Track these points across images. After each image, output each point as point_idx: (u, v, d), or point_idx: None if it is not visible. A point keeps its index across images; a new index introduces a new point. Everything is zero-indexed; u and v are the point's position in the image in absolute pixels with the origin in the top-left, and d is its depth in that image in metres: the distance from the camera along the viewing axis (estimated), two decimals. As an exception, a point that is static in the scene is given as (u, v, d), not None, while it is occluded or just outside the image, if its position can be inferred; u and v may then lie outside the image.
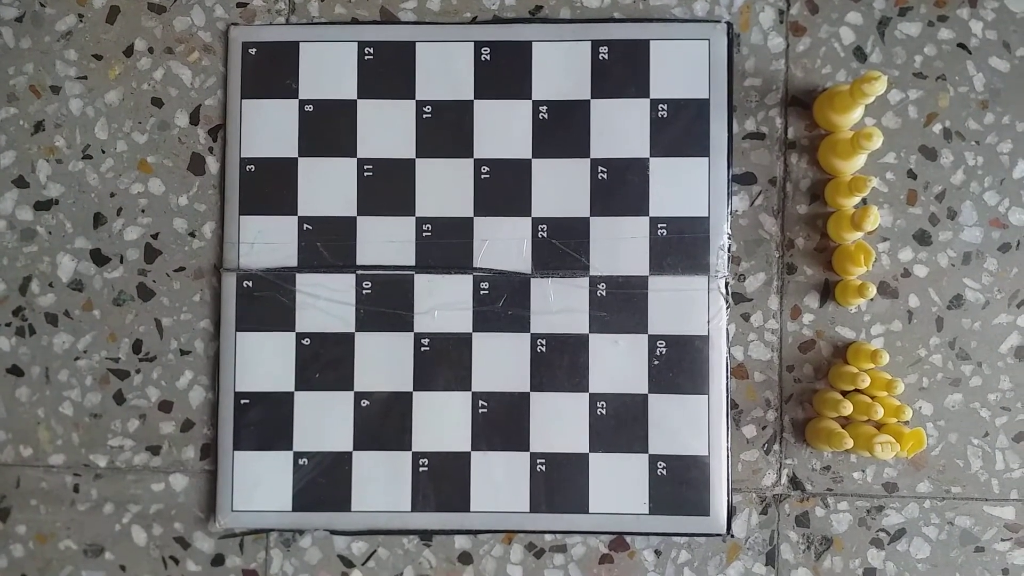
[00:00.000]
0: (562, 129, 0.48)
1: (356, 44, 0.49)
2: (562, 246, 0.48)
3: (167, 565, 0.49)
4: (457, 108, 0.48)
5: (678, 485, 0.47)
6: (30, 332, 0.49)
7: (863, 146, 0.43)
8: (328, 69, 0.49)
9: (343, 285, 0.48)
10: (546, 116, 0.48)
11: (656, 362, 0.47)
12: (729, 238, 0.48)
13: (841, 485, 0.48)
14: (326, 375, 0.48)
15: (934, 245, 0.48)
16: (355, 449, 0.48)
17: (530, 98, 0.48)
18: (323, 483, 0.48)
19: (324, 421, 0.48)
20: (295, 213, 0.48)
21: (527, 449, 0.48)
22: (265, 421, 0.48)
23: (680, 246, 0.47)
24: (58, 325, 0.49)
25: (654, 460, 0.47)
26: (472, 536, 0.48)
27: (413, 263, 0.48)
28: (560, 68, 0.48)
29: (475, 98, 0.48)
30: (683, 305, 0.47)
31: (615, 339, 0.48)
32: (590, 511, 0.47)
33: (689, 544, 0.48)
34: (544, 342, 0.48)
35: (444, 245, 0.48)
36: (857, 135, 0.43)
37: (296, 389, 0.48)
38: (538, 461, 0.47)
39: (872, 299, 0.48)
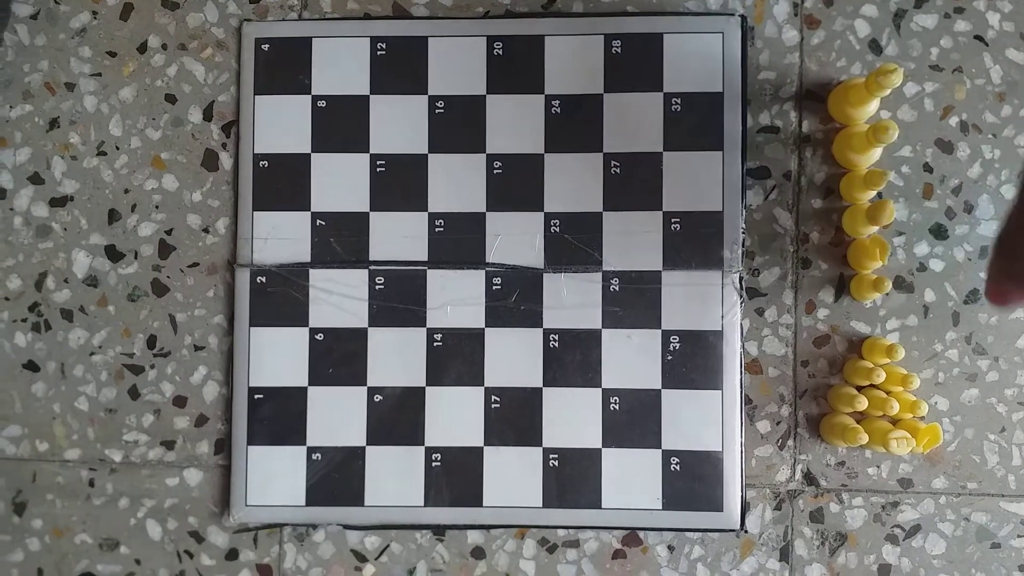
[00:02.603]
0: (575, 123, 0.48)
1: (368, 39, 0.49)
2: (575, 241, 0.48)
3: (182, 559, 0.49)
4: (470, 103, 0.48)
5: (691, 480, 0.47)
6: (46, 328, 0.50)
7: (879, 139, 0.42)
8: (341, 65, 0.49)
9: (356, 280, 0.48)
10: (559, 110, 0.48)
11: (669, 357, 0.47)
12: (743, 233, 0.48)
13: (856, 481, 0.48)
14: (339, 370, 0.48)
15: (950, 239, 0.48)
16: (368, 444, 0.48)
17: (543, 92, 0.48)
18: (336, 478, 0.48)
19: (337, 416, 0.48)
20: (308, 209, 0.48)
21: (540, 444, 0.47)
22: (278, 416, 0.48)
23: (694, 241, 0.47)
24: (73, 321, 0.50)
25: (667, 455, 0.47)
26: (485, 531, 0.48)
27: (426, 258, 0.48)
28: (573, 62, 0.48)
29: (487, 93, 0.48)
30: (697, 300, 0.47)
31: (628, 334, 0.47)
32: (603, 506, 0.47)
33: (703, 540, 0.48)
34: (557, 337, 0.48)
35: (457, 240, 0.48)
36: (872, 128, 0.42)
37: (309, 384, 0.48)
38: (551, 456, 0.47)
39: (887, 294, 0.47)
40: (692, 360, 0.47)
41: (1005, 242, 0.35)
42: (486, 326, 0.48)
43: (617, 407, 0.47)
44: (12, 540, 0.50)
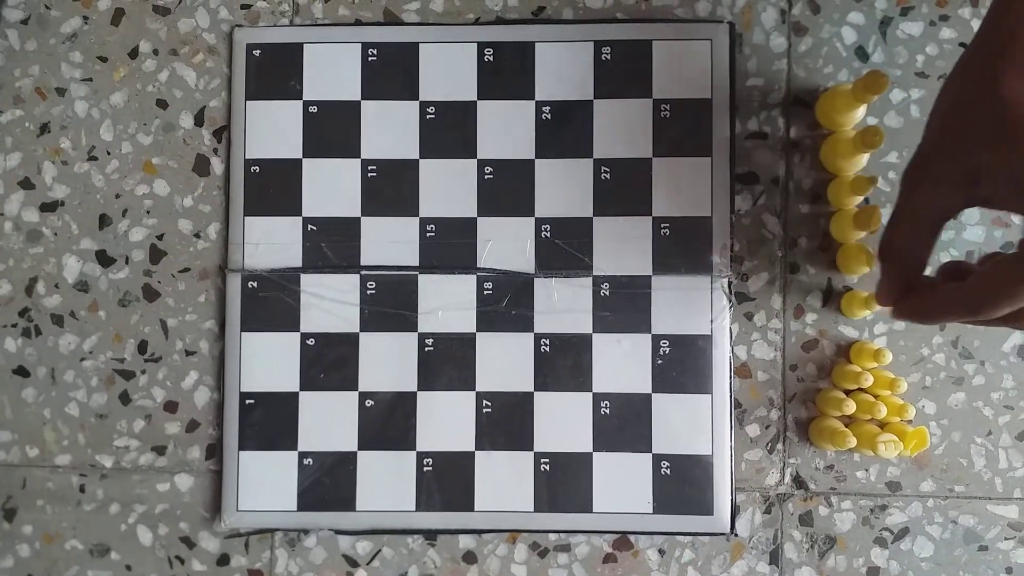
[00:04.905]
0: (565, 129, 0.48)
1: (360, 45, 0.49)
2: (565, 246, 0.48)
3: (173, 565, 0.49)
4: (460, 109, 0.49)
5: (682, 484, 0.47)
6: (36, 333, 0.50)
7: (866, 145, 0.43)
8: (332, 70, 0.49)
9: (347, 285, 0.48)
10: (549, 116, 0.48)
11: (659, 361, 0.48)
12: (732, 238, 0.48)
13: (844, 484, 0.48)
14: (331, 375, 0.48)
15: (936, 244, 0.48)
16: (359, 449, 0.48)
17: (533, 99, 0.48)
18: (328, 483, 0.48)
19: (329, 421, 0.48)
20: (299, 214, 0.48)
21: (531, 449, 0.48)
22: (270, 421, 0.48)
23: (683, 246, 0.48)
24: (64, 326, 0.49)
25: (658, 459, 0.47)
26: (476, 535, 0.48)
27: (417, 263, 0.48)
28: (563, 69, 0.48)
29: (478, 99, 0.49)
30: (686, 305, 0.47)
31: (618, 339, 0.48)
32: (594, 510, 0.47)
33: (693, 543, 0.48)
34: (548, 342, 0.48)
35: (448, 245, 0.48)
36: (860, 135, 0.43)
37: (301, 389, 0.48)
38: (542, 461, 0.48)
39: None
40: (682, 364, 0.47)
41: (883, 248, 0.40)
42: (477, 331, 0.48)
43: (608, 411, 0.47)
44: (2, 546, 0.49)
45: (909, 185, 0.38)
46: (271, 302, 0.48)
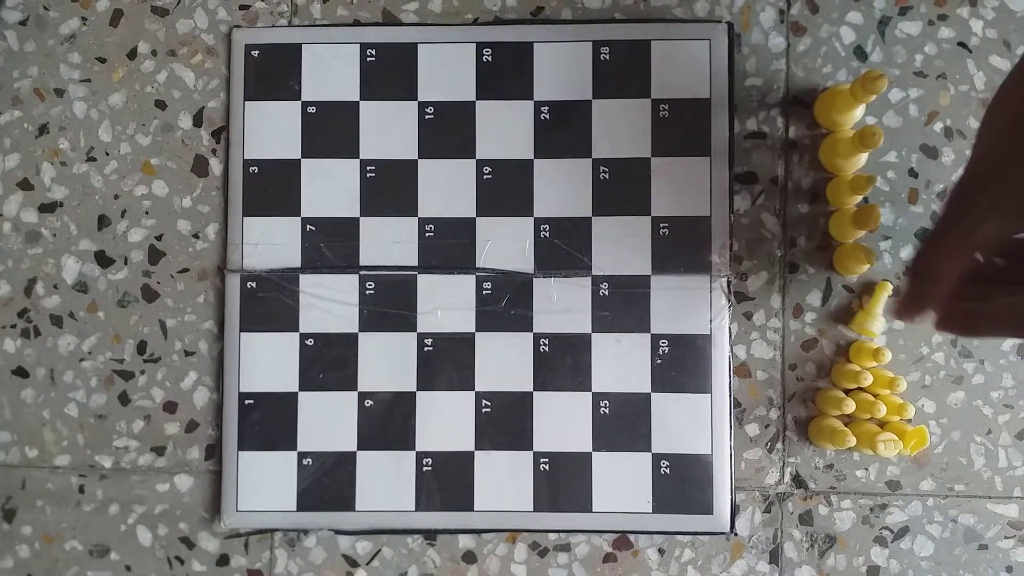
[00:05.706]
0: (564, 129, 0.48)
1: (358, 46, 0.49)
2: (564, 246, 0.48)
3: (172, 565, 0.49)
4: (459, 109, 0.49)
5: (681, 484, 0.47)
6: (35, 334, 0.50)
7: (865, 145, 0.43)
8: (330, 71, 0.49)
9: (346, 286, 0.48)
10: (548, 116, 0.48)
11: (659, 361, 0.48)
12: (731, 237, 0.48)
13: (844, 483, 0.48)
14: (330, 375, 0.48)
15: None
16: (359, 449, 0.48)
17: (532, 99, 0.48)
18: (327, 483, 0.48)
19: (328, 421, 0.48)
20: (298, 214, 0.48)
21: (530, 448, 0.48)
22: (269, 421, 0.48)
23: (682, 245, 0.48)
24: (63, 327, 0.49)
25: (657, 459, 0.47)
26: (476, 535, 0.48)
27: (416, 263, 0.48)
28: (562, 69, 0.48)
29: (477, 99, 0.49)
30: (685, 304, 0.47)
31: (618, 338, 0.48)
32: (593, 510, 0.47)
33: (693, 543, 0.48)
34: (547, 342, 0.48)
35: (447, 245, 0.48)
36: (858, 134, 0.43)
37: (300, 389, 0.48)
38: (541, 460, 0.48)
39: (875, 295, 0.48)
40: (681, 364, 0.47)
41: (919, 264, 0.36)
42: (476, 331, 0.48)
43: (607, 411, 0.47)
44: (2, 547, 0.49)
45: (959, 206, 0.34)
46: (270, 302, 0.48)
